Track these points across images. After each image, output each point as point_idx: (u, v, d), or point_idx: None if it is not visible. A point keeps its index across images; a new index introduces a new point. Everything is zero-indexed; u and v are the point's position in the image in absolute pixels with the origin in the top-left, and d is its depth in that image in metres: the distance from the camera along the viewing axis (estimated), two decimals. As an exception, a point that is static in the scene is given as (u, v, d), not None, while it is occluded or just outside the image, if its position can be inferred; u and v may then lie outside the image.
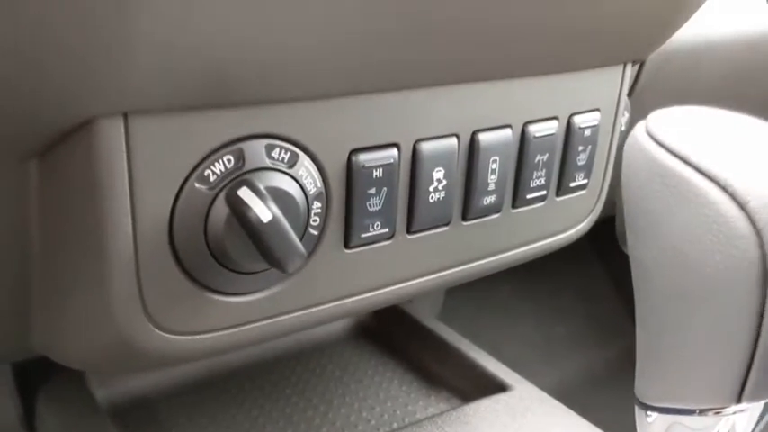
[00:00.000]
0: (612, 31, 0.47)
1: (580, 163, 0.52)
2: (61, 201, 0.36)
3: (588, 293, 1.34)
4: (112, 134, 0.32)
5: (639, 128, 0.33)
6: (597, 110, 0.52)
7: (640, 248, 0.33)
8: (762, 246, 0.29)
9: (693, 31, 0.71)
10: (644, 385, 0.34)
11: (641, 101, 0.69)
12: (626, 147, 0.33)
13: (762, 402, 0.32)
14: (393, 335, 0.73)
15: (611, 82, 0.52)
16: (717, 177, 0.30)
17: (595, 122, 0.52)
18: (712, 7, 0.74)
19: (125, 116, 0.32)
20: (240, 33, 0.32)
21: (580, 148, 0.51)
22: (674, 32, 0.53)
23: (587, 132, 0.51)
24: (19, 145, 0.34)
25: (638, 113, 0.70)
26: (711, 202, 0.29)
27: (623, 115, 0.65)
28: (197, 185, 0.35)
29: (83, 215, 0.35)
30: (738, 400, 0.31)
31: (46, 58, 0.28)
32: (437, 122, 0.43)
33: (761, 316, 0.30)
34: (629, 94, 0.67)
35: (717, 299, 0.30)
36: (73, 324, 0.39)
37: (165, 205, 0.35)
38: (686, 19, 0.52)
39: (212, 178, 0.36)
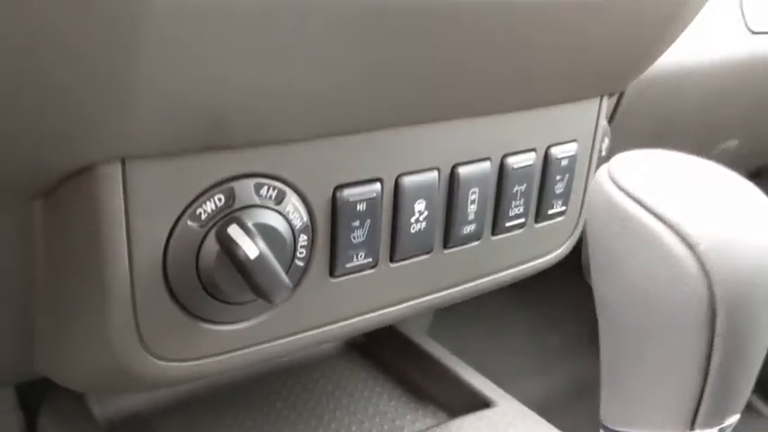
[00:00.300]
0: (588, 70, 0.50)
1: (558, 191, 0.55)
2: (64, 236, 0.38)
3: (583, 302, 1.36)
4: (111, 178, 0.35)
5: (602, 171, 0.35)
6: (574, 140, 0.54)
7: (602, 283, 0.36)
8: (710, 286, 0.31)
9: (673, 57, 0.73)
10: (607, 410, 0.37)
11: (623, 126, 0.72)
12: (590, 189, 0.36)
13: (715, 428, 0.34)
14: (383, 350, 0.75)
15: (588, 113, 0.55)
16: (670, 221, 0.32)
17: (572, 153, 0.54)
18: (692, 33, 0.77)
19: (123, 161, 0.35)
20: (237, 87, 0.34)
21: (557, 177, 0.54)
22: (649, 65, 0.55)
23: (564, 162, 0.54)
24: (24, 187, 0.36)
25: (619, 138, 0.73)
26: (665, 245, 0.32)
27: (603, 141, 0.68)
28: (189, 223, 0.38)
29: (84, 251, 0.37)
30: (692, 428, 0.33)
31: (51, 113, 0.30)
32: (418, 157, 0.46)
33: (710, 350, 0.32)
34: (610, 120, 0.70)
35: (671, 334, 0.32)
36: (74, 351, 0.42)
37: (159, 242, 0.37)
38: (661, 53, 0.55)
39: (204, 216, 0.38)
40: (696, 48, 0.75)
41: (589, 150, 0.57)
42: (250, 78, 0.34)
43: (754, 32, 0.79)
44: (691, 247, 0.31)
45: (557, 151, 0.53)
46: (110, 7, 0.27)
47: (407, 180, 0.45)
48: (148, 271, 0.37)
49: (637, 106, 0.72)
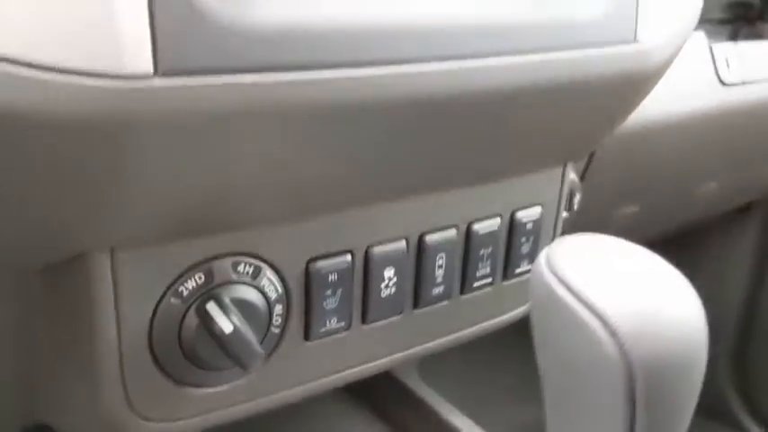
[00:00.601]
0: (549, 146, 0.54)
1: (524, 251, 0.58)
2: (60, 308, 0.42)
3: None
4: (100, 263, 0.39)
5: (543, 254, 0.39)
6: (539, 204, 0.58)
7: (540, 354, 0.40)
8: (629, 367, 0.35)
9: (646, 111, 0.77)
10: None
11: (596, 179, 0.75)
12: (531, 269, 0.40)
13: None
14: (375, 394, 0.78)
15: (552, 179, 0.59)
16: (595, 307, 0.36)
17: (537, 216, 0.58)
18: (664, 87, 0.80)
19: (112, 249, 0.39)
20: (219, 188, 0.38)
21: (523, 239, 0.58)
22: (611, 134, 0.59)
23: (529, 225, 0.58)
24: (26, 266, 0.41)
25: (595, 189, 0.76)
26: (591, 330, 0.36)
27: (574, 197, 0.72)
28: (172, 300, 0.42)
29: (77, 323, 0.41)
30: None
31: (52, 220, 0.35)
32: (387, 229, 0.50)
33: (632, 423, 0.36)
34: (582, 177, 0.73)
35: (596, 412, 0.36)
36: (69, 409, 0.46)
37: (144, 317, 0.42)
38: (621, 123, 0.58)
39: (185, 293, 0.42)
40: (669, 101, 0.79)
41: (554, 212, 0.60)
42: (232, 180, 0.39)
43: (725, 84, 0.82)
44: (611, 332, 0.35)
45: (521, 215, 0.57)
46: (100, 143, 0.32)
47: (377, 250, 0.49)
48: (135, 343, 0.42)
49: (610, 161, 0.76)
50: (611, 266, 0.38)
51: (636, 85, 0.52)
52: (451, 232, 0.53)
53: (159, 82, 0.32)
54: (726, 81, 0.83)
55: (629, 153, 0.78)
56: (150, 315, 0.42)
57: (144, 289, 0.41)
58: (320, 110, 0.38)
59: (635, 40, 0.49)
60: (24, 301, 0.43)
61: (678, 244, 1.15)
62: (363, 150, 0.42)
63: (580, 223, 0.76)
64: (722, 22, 0.89)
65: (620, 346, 0.35)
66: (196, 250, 0.42)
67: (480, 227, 0.54)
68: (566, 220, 0.71)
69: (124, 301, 0.40)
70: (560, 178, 0.59)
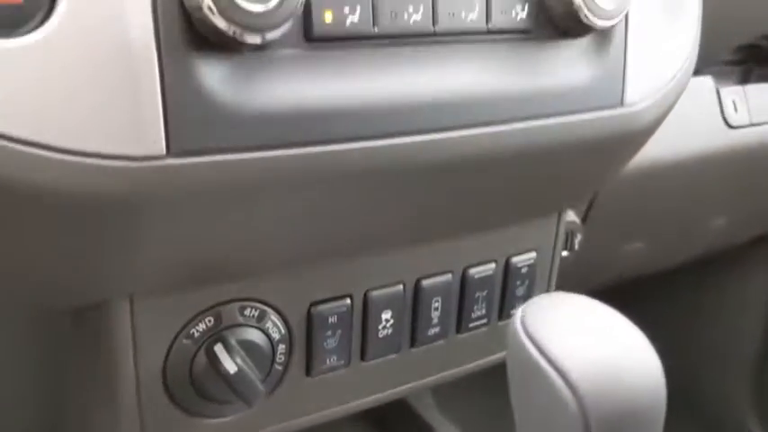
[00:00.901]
0: (542, 199, 0.57)
1: (519, 294, 0.62)
2: (85, 346, 0.47)
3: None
4: (121, 309, 0.44)
5: (519, 312, 0.43)
6: (534, 250, 0.61)
7: (513, 403, 0.43)
8: (587, 423, 0.38)
9: (651, 153, 0.79)
10: None
11: (600, 218, 0.78)
12: (509, 326, 0.43)
13: None
14: (388, 420, 0.82)
15: (547, 226, 0.62)
16: (559, 366, 0.39)
17: (532, 261, 0.61)
18: (671, 129, 0.83)
19: (131, 297, 0.44)
20: (230, 248, 0.43)
21: (518, 282, 0.61)
22: (604, 185, 0.62)
23: (524, 270, 0.61)
24: (56, 309, 0.46)
25: (598, 226, 0.79)
26: (555, 387, 0.39)
27: (576, 237, 0.75)
28: (184, 341, 0.47)
29: (99, 359, 0.46)
30: None
31: (78, 277, 0.40)
32: (385, 275, 0.54)
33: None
34: (584, 218, 0.76)
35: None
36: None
37: (159, 355, 0.46)
38: (615, 174, 0.61)
39: (196, 335, 0.47)
40: (674, 143, 0.81)
41: (550, 256, 0.64)
42: (240, 240, 0.43)
43: (732, 126, 0.85)
44: (573, 390, 0.39)
45: (516, 260, 0.60)
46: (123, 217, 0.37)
47: (375, 294, 0.53)
48: (151, 379, 0.46)
49: (614, 200, 0.79)
50: (579, 326, 0.42)
51: (624, 144, 0.55)
52: (447, 277, 0.57)
53: (171, 161, 0.36)
54: (732, 123, 0.85)
55: (634, 192, 0.80)
56: (165, 354, 0.46)
57: (159, 331, 0.46)
58: (320, 180, 0.42)
59: (622, 103, 0.52)
60: (55, 338, 0.48)
61: (698, 271, 1.16)
62: (364, 211, 0.47)
63: (585, 259, 0.79)
64: (733, 63, 0.91)
65: (580, 403, 0.38)
66: (206, 296, 0.47)
67: (475, 271, 0.58)
68: (567, 259, 0.75)
69: (141, 342, 0.45)
70: (555, 224, 0.63)
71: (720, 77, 0.88)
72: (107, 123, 0.35)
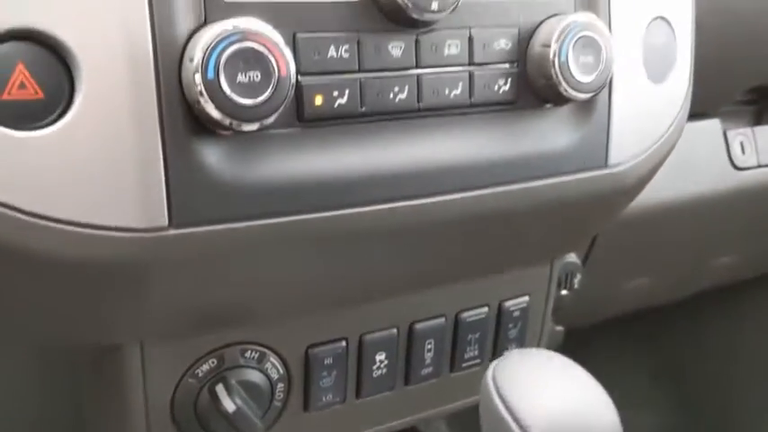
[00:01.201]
0: (532, 251, 0.61)
1: (512, 336, 0.65)
2: (100, 384, 0.52)
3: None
4: (132, 352, 0.49)
5: (492, 366, 0.46)
6: (527, 294, 0.65)
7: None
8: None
9: (657, 194, 0.81)
10: None
11: (602, 257, 0.81)
12: (483, 380, 0.47)
13: None
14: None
15: (540, 272, 0.65)
16: (522, 421, 0.43)
17: (524, 305, 0.65)
18: (678, 171, 0.85)
19: (141, 342, 0.49)
20: (230, 302, 0.48)
21: (510, 325, 0.65)
22: (594, 234, 0.65)
23: (517, 313, 0.64)
24: (75, 350, 0.51)
25: (601, 263, 0.82)
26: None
27: (575, 276, 0.78)
28: (190, 380, 0.51)
29: (112, 396, 0.51)
30: None
31: (90, 325, 0.45)
32: (379, 320, 0.58)
33: None
34: (585, 258, 0.79)
35: None
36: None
37: (167, 394, 0.51)
38: (604, 226, 0.64)
39: (200, 375, 0.51)
40: (679, 184, 0.83)
41: (543, 299, 0.67)
42: (241, 295, 0.48)
43: (739, 168, 0.86)
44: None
45: (509, 304, 0.64)
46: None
47: (369, 338, 0.57)
48: (160, 414, 0.51)
49: (616, 240, 0.81)
50: (545, 384, 0.45)
51: (610, 202, 0.58)
52: (440, 321, 0.60)
53: (173, 232, 0.41)
54: (739, 165, 0.86)
55: (639, 231, 0.83)
56: (172, 392, 0.51)
57: (166, 372, 0.50)
58: (314, 244, 0.46)
59: (606, 165, 0.55)
60: (73, 376, 0.53)
61: (719, 297, 1.17)
62: (357, 268, 0.51)
63: (589, 295, 0.82)
64: (747, 103, 0.92)
65: (540, 458, 0.42)
66: (210, 340, 0.51)
67: (468, 315, 0.62)
68: (567, 296, 0.78)
69: (151, 381, 0.50)
70: (549, 269, 0.66)
71: (733, 118, 0.90)
72: (116, 200, 0.39)
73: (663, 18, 0.58)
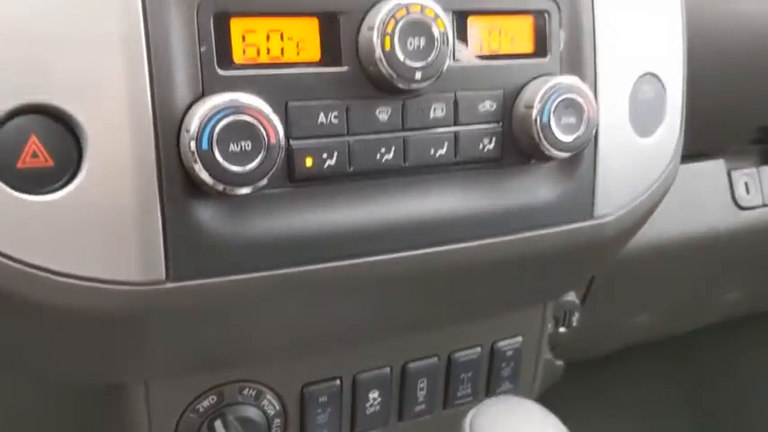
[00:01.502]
0: (522, 297, 0.63)
1: (505, 374, 0.67)
2: (107, 419, 0.56)
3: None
4: (136, 390, 0.53)
5: (470, 413, 0.49)
6: (520, 334, 0.67)
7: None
8: None
9: (659, 233, 0.83)
10: None
11: (603, 295, 0.83)
12: (461, 424, 0.50)
13: None
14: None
15: (533, 314, 0.68)
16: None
17: (518, 345, 0.67)
18: (681, 210, 0.86)
19: (145, 381, 0.52)
20: (228, 345, 0.51)
21: (503, 364, 0.67)
22: (587, 279, 0.67)
23: (509, 353, 0.67)
24: (85, 387, 0.55)
25: (601, 301, 0.83)
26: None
27: (573, 315, 0.80)
28: (191, 415, 0.55)
29: (119, 430, 0.55)
30: None
31: (95, 367, 0.49)
32: (373, 360, 0.60)
33: None
34: (583, 298, 0.81)
35: None
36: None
37: (170, 428, 0.55)
38: (593, 274, 0.66)
39: (201, 410, 0.55)
40: (682, 224, 0.85)
41: (537, 338, 0.69)
42: (239, 341, 0.51)
43: (743, 208, 0.87)
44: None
45: (502, 344, 0.66)
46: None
47: (363, 376, 0.60)
48: (163, 447, 0.55)
49: (618, 278, 0.83)
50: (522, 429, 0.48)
51: (598, 252, 0.61)
52: (433, 360, 0.63)
53: (170, 285, 0.44)
54: (743, 204, 0.88)
55: (639, 270, 0.84)
56: (174, 427, 0.55)
57: (169, 408, 0.54)
58: (306, 294, 0.49)
59: (592, 216, 0.57)
60: (84, 412, 0.57)
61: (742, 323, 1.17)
62: (346, 314, 0.54)
63: (590, 330, 0.84)
64: (752, 142, 0.93)
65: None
66: (210, 379, 0.55)
67: (461, 355, 0.64)
68: (566, 334, 0.80)
69: (154, 417, 0.54)
70: (542, 312, 0.68)
71: (738, 157, 0.91)
72: (117, 256, 0.43)
73: (652, 74, 0.60)
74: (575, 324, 0.79)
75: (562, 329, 0.78)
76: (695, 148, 0.86)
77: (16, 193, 0.41)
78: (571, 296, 0.79)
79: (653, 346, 1.07)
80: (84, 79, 0.41)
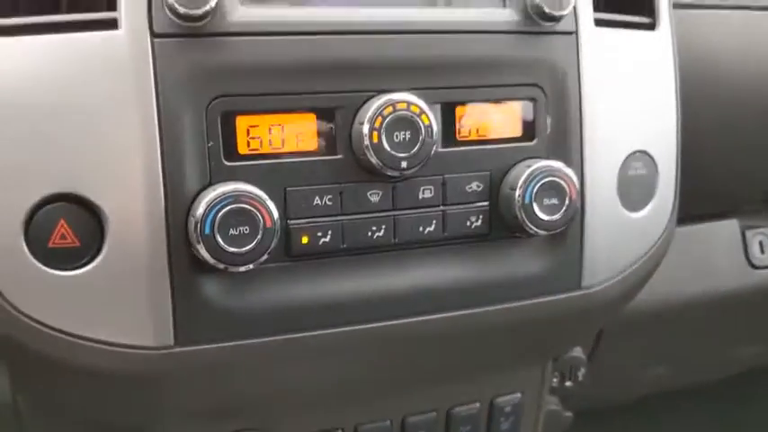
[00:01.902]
0: (519, 359, 0.67)
1: (504, 428, 0.71)
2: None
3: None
4: (155, 433, 0.59)
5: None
6: (519, 391, 0.70)
7: None
8: None
9: (662, 292, 0.84)
10: None
11: (610, 348, 0.85)
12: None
13: None
14: None
15: (533, 371, 0.71)
16: None
17: (517, 401, 0.70)
18: (694, 269, 0.87)
19: (163, 427, 0.58)
20: (237, 400, 0.57)
21: (502, 419, 0.70)
22: (583, 342, 0.71)
23: (508, 408, 0.70)
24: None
25: (613, 355, 0.86)
26: None
27: (579, 370, 0.82)
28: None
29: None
30: None
31: (120, 419, 0.55)
32: (374, 413, 0.65)
33: None
34: (591, 354, 0.83)
35: None
36: None
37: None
38: (588, 337, 0.69)
39: (212, 455, 0.61)
40: (694, 282, 0.86)
41: (537, 394, 0.72)
42: (248, 395, 0.57)
43: (757, 267, 0.89)
44: None
45: (501, 401, 0.70)
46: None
47: (364, 429, 0.65)
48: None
49: (628, 334, 0.85)
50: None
51: (587, 319, 0.64)
52: (432, 415, 0.67)
53: (178, 349, 0.50)
54: (757, 264, 0.89)
55: (651, 326, 0.86)
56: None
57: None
58: (304, 358, 0.55)
59: (579, 287, 0.61)
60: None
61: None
62: (345, 375, 0.59)
63: (603, 382, 0.86)
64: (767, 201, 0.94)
65: None
66: (221, 425, 0.60)
67: (460, 410, 0.68)
68: (573, 388, 0.82)
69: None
70: (541, 369, 0.71)
71: (753, 216, 0.92)
72: (132, 323, 0.49)
73: (643, 151, 0.63)
74: (581, 378, 0.82)
75: (568, 383, 0.80)
76: (709, 208, 0.88)
77: (48, 269, 0.47)
78: (576, 351, 0.81)
79: (669, 395, 1.08)
80: (107, 173, 0.48)
